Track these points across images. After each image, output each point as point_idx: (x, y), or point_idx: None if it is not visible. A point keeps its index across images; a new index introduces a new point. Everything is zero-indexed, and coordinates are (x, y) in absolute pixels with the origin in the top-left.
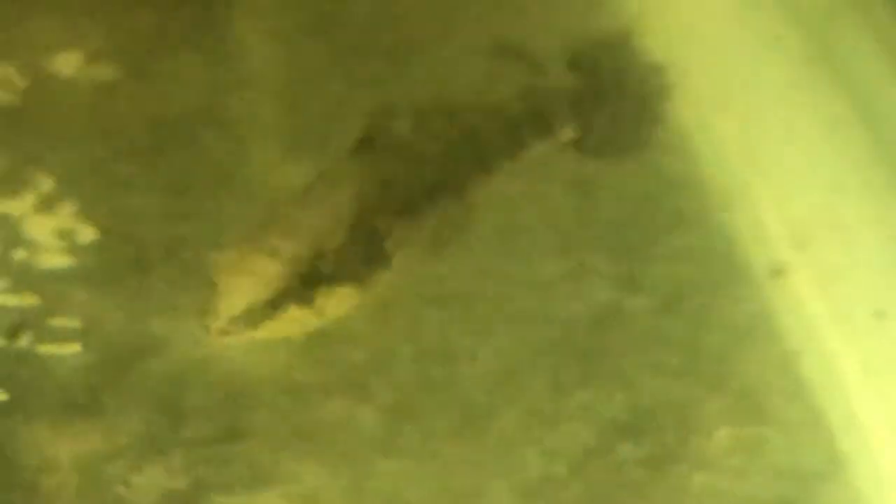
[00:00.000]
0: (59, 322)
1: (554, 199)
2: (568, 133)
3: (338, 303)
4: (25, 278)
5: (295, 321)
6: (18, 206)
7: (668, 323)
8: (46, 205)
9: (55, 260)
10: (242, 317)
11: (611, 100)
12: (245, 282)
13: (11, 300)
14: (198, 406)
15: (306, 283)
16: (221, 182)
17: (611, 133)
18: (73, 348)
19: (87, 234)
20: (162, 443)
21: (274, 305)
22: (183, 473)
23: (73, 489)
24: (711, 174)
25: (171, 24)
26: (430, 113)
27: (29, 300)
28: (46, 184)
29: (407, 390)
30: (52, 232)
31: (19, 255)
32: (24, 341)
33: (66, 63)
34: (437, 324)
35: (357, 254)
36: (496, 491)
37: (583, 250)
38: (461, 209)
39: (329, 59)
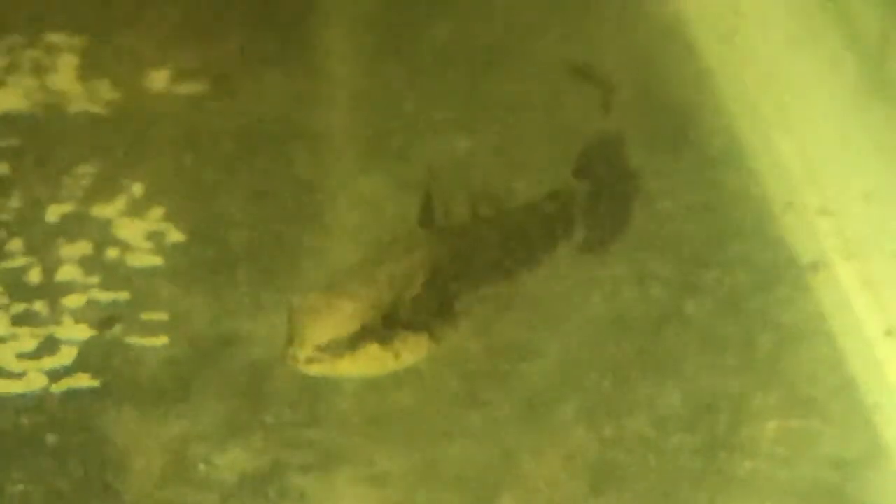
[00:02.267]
0: (147, 316)
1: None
2: (581, 234)
3: (412, 349)
4: (117, 275)
5: (374, 359)
6: (111, 210)
7: (723, 324)
8: (137, 209)
9: (144, 259)
10: (328, 346)
11: (606, 201)
12: (329, 318)
13: (104, 295)
14: (278, 393)
15: (386, 324)
16: (302, 190)
17: (607, 232)
18: (160, 340)
19: (174, 236)
20: (243, 426)
21: (356, 340)
22: (263, 454)
23: (160, 468)
24: (768, 187)
25: (256, 43)
26: (483, 198)
27: (120, 295)
28: (137, 189)
29: (475, 381)
30: (141, 234)
31: (111, 254)
32: (114, 333)
33: (157, 79)
34: (507, 322)
35: (431, 307)
36: (557, 475)
37: (646, 257)
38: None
39: (406, 78)
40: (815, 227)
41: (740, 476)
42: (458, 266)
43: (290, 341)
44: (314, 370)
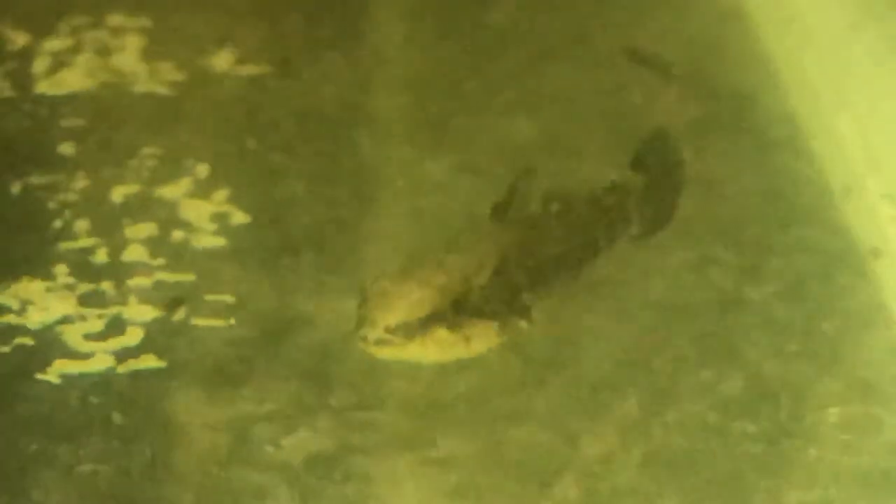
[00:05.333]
0: (212, 297)
1: (681, 198)
2: (636, 227)
3: (482, 337)
4: (182, 257)
5: (444, 344)
6: (175, 191)
7: (785, 310)
8: (201, 190)
9: (209, 241)
10: (398, 329)
11: (658, 194)
12: (399, 302)
13: (169, 277)
14: (343, 376)
15: (456, 309)
16: (364, 173)
17: (658, 224)
18: (226, 322)
19: (238, 217)
20: (309, 408)
21: (426, 324)
22: (328, 436)
23: (225, 448)
24: (829, 172)
25: (317, 26)
26: (553, 196)
27: (185, 277)
28: (201, 171)
29: (538, 367)
30: (206, 215)
31: (176, 235)
32: (180, 314)
33: (220, 61)
34: (571, 310)
35: (501, 296)
36: (620, 461)
37: (707, 243)
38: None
39: (464, 62)
40: (877, 213)
41: (803, 462)
42: (525, 258)
43: (360, 323)
44: (384, 353)
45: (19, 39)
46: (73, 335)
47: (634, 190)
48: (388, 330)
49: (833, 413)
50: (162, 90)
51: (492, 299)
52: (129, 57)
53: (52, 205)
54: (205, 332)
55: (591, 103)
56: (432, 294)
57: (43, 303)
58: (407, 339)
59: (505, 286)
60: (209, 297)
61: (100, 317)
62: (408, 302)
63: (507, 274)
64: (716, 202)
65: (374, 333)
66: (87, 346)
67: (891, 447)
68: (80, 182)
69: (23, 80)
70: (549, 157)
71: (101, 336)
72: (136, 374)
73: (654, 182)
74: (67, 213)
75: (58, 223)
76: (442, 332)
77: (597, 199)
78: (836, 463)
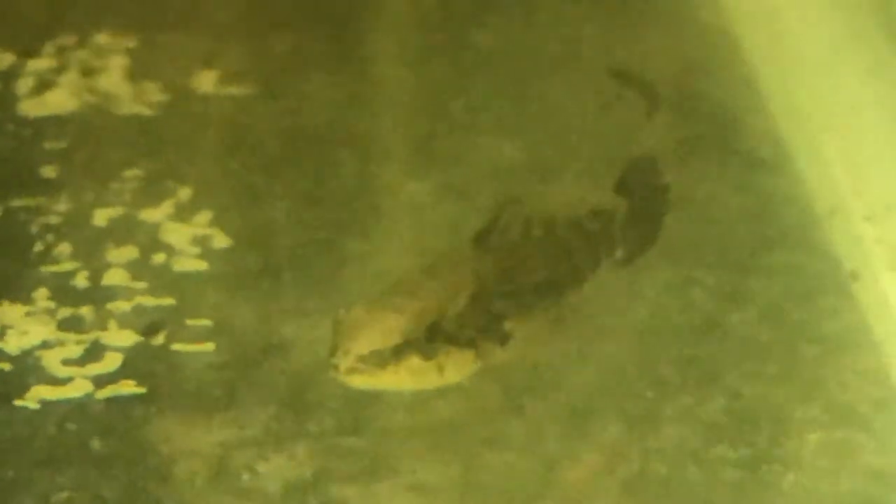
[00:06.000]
0: (193, 322)
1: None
2: (620, 252)
3: (457, 365)
4: (162, 281)
5: (417, 372)
6: (157, 214)
7: (766, 333)
8: (184, 213)
9: (190, 264)
10: (370, 357)
11: (642, 219)
12: (371, 330)
13: (149, 301)
14: (322, 402)
15: (430, 337)
16: (350, 194)
17: (642, 248)
18: (205, 347)
19: (220, 240)
20: (287, 435)
21: (399, 352)
22: (306, 463)
23: (203, 476)
24: (813, 193)
25: (305, 45)
26: (534, 222)
27: (166, 301)
28: (184, 193)
29: (517, 392)
30: (188, 238)
31: (157, 259)
32: (160, 339)
33: (205, 81)
34: (552, 336)
35: (477, 323)
36: (599, 486)
37: (690, 265)
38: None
39: (450, 82)
40: (860, 235)
41: (782, 488)
42: (504, 284)
43: (332, 351)
44: (356, 381)
45: (4, 59)
46: (52, 360)
47: (619, 214)
48: (359, 358)
49: (812, 438)
50: (146, 111)
51: (467, 326)
52: (113, 77)
53: (33, 228)
54: (184, 358)
55: (577, 124)
56: (406, 321)
57: (22, 327)
58: (379, 367)
59: (482, 313)
60: (189, 322)
61: (78, 342)
62: (380, 330)
63: (484, 301)
64: (700, 223)
65: (345, 362)
66: (65, 372)
67: (869, 472)
68: (63, 205)
69: (6, 100)
70: (532, 179)
71: (80, 361)
72: (114, 400)
73: (639, 206)
74: (49, 236)
75: (39, 246)
76: (415, 360)
77: (580, 223)
78: (815, 489)
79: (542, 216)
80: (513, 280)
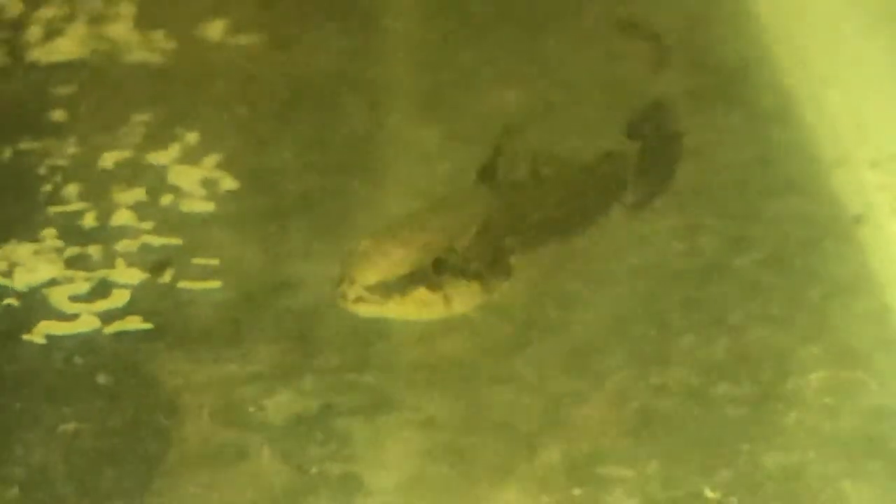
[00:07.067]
0: (200, 261)
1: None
2: (631, 195)
3: (463, 297)
4: (170, 221)
5: (423, 303)
6: (165, 157)
7: (771, 277)
8: (191, 156)
9: (198, 206)
10: (377, 287)
11: (654, 162)
12: (378, 260)
13: (157, 240)
14: (328, 338)
15: (436, 269)
16: (356, 141)
17: (653, 193)
18: (212, 284)
19: (228, 183)
20: (294, 370)
21: (405, 283)
22: (312, 398)
23: (209, 409)
24: (818, 142)
25: None
26: (542, 160)
27: (173, 240)
28: (191, 138)
29: (524, 330)
30: (195, 181)
31: (165, 200)
32: (166, 277)
33: (213, 29)
34: (559, 275)
35: (484, 256)
36: (601, 422)
37: (696, 211)
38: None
39: (460, 33)
40: (864, 182)
41: (784, 426)
42: (513, 222)
43: (340, 281)
44: (362, 310)
45: (13, 7)
46: (59, 297)
47: (630, 157)
48: (367, 288)
49: (815, 378)
50: (154, 59)
51: (474, 260)
52: (122, 25)
53: (42, 170)
54: (191, 295)
55: (585, 75)
56: (413, 253)
57: (30, 265)
58: (385, 297)
59: (489, 247)
60: (196, 261)
61: (87, 279)
62: (388, 261)
63: (491, 235)
64: (706, 171)
65: (353, 291)
66: (73, 308)
67: (872, 411)
68: (71, 148)
69: (15, 48)
70: (541, 127)
71: (88, 298)
72: (121, 336)
73: (651, 150)
74: (57, 177)
75: (47, 187)
76: (422, 291)
77: (591, 167)
78: (817, 426)
79: (552, 157)
80: (522, 217)
